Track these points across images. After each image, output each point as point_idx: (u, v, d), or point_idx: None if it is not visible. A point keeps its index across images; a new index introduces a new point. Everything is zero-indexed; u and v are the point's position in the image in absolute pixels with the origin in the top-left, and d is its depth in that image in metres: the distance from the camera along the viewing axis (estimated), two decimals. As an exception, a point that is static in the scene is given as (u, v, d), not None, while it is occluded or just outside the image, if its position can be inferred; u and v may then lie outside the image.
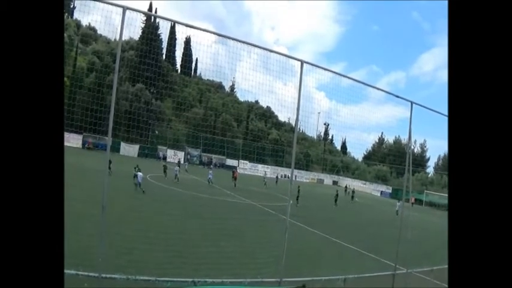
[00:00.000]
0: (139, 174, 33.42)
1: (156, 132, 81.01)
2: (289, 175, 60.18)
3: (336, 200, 47.33)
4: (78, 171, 34.30)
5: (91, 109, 66.04)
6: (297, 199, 38.42)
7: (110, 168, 33.45)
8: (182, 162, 78.25)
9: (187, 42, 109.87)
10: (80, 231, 17.36)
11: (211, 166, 74.82)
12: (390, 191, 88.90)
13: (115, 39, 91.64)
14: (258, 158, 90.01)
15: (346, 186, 76.14)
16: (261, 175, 74.18)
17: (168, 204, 29.43)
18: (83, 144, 72.25)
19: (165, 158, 77.95)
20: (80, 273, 10.18)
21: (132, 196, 29.30)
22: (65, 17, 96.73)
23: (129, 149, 73.86)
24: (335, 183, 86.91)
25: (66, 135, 69.87)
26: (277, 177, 67.55)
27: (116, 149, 67.56)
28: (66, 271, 9.62)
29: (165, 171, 47.19)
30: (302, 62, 12.41)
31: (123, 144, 73.15)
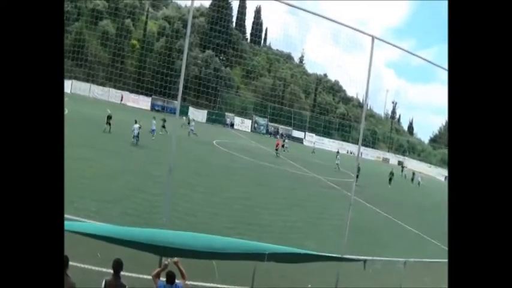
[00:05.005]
0: (136, 126, 31.45)
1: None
2: (354, 151, 58.97)
3: (390, 179, 44.94)
4: (147, 132, 35.41)
5: (161, 72, 68.36)
6: (357, 177, 36.00)
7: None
8: (249, 130, 79.30)
9: (258, 11, 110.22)
10: (146, 190, 18.20)
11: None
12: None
13: (185, 6, 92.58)
14: (325, 131, 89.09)
15: (402, 166, 73.03)
16: (328, 149, 73.55)
17: (232, 171, 30.03)
18: (152, 106, 73.44)
19: (232, 125, 78.91)
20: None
21: (197, 160, 29.92)
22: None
23: (197, 114, 74.54)
24: (400, 163, 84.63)
25: (135, 97, 72.16)
26: (337, 151, 65.93)
27: (184, 113, 67.97)
28: (131, 228, 10.06)
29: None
30: (373, 38, 11.65)
31: (191, 109, 74.16)
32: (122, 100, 71.13)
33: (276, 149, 46.99)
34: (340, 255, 11.05)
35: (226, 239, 8.58)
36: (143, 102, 72.40)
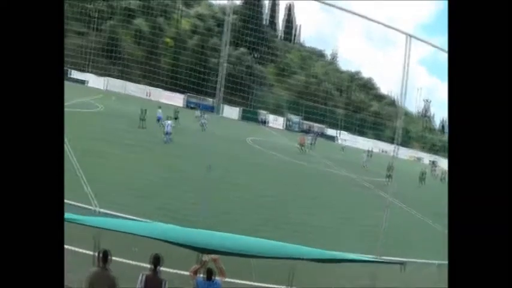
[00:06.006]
0: (169, 122, 31.04)
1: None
2: (387, 150, 57.23)
3: (423, 179, 43.49)
4: (182, 130, 35.78)
5: (195, 70, 68.78)
6: (388, 177, 33.64)
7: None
8: (282, 128, 79.23)
9: (290, 8, 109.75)
10: (180, 187, 18.43)
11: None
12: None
13: (217, 4, 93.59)
14: (359, 129, 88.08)
15: (434, 166, 71.11)
16: (362, 148, 72.68)
17: (265, 168, 30.13)
18: (186, 103, 74.09)
19: (265, 123, 78.95)
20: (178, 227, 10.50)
21: (229, 159, 29.99)
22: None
23: (231, 112, 75.14)
24: (434, 163, 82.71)
25: (171, 94, 72.78)
26: (368, 150, 64.50)
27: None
28: (164, 224, 10.21)
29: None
30: (408, 36, 11.36)
31: (225, 107, 74.46)
32: (149, 96, 71.86)
33: (302, 146, 46.80)
34: (376, 258, 10.90)
35: (262, 240, 8.59)
36: (178, 100, 72.81)
